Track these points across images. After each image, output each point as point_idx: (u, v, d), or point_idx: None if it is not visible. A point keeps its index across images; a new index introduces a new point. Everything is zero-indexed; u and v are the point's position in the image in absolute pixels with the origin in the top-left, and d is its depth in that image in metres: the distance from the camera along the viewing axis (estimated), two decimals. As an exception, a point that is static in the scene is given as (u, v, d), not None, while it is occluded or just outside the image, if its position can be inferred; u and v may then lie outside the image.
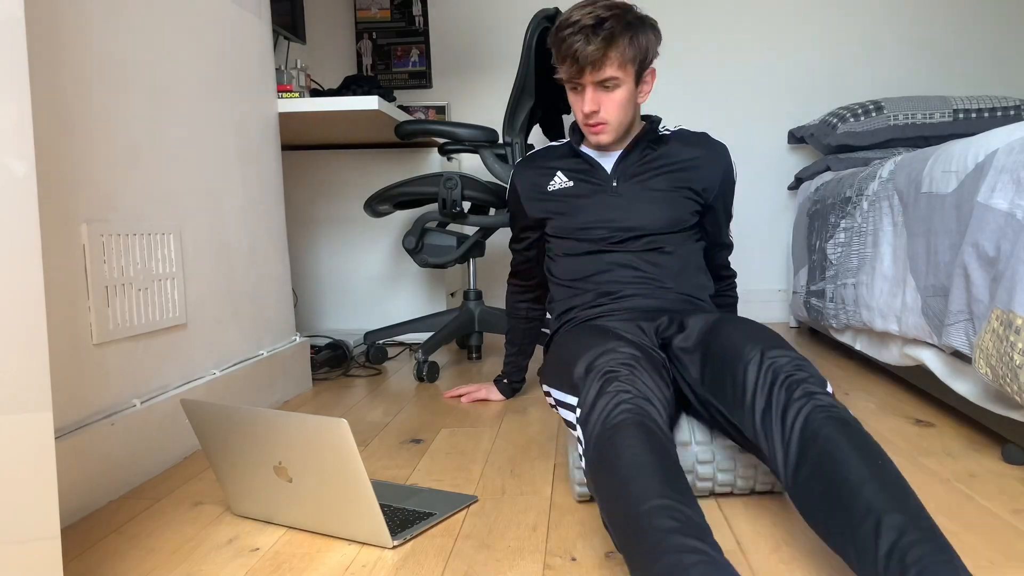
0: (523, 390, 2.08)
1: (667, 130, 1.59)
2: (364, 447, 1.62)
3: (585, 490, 1.23)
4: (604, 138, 1.49)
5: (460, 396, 2.02)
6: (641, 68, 1.45)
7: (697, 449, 1.23)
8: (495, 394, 1.97)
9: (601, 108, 1.45)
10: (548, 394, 1.26)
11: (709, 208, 1.58)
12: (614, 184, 1.53)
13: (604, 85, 1.43)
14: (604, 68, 1.40)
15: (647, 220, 1.51)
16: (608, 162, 1.55)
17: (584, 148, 1.59)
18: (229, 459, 1.16)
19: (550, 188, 1.58)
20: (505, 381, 1.97)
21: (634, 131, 1.55)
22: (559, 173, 1.57)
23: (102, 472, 1.32)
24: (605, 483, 0.94)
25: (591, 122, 1.47)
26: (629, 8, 1.44)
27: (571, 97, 1.50)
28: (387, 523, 1.11)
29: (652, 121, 1.57)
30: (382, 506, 1.19)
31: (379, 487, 1.32)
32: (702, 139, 1.58)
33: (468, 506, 1.25)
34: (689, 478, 1.23)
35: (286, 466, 1.09)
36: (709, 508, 1.22)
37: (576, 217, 1.54)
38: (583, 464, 1.02)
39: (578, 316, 1.49)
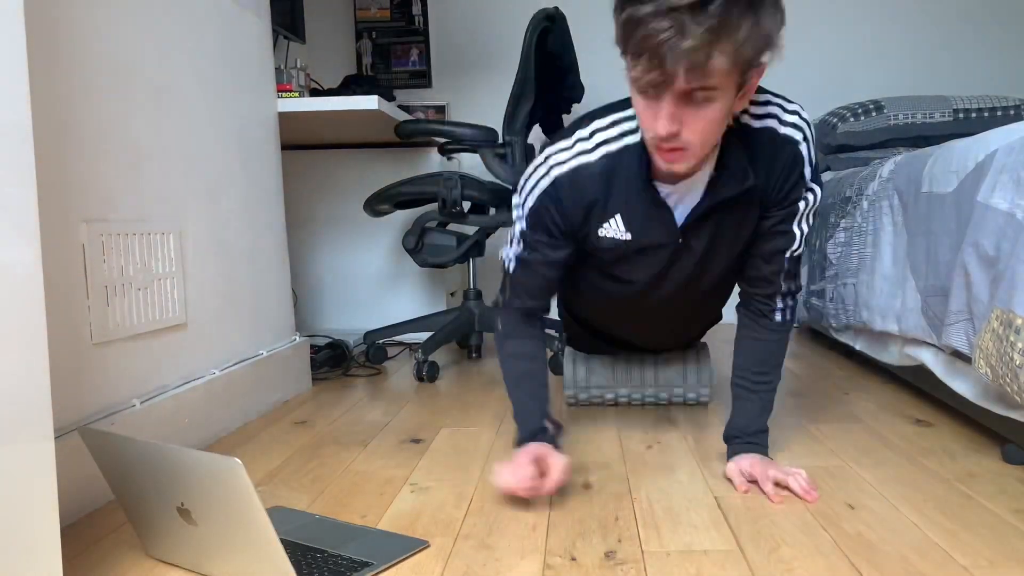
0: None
1: (756, 123, 1.20)
2: (364, 447, 1.62)
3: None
4: (679, 167, 1.10)
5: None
6: (749, 67, 1.01)
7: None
8: (553, 458, 1.23)
9: (684, 128, 1.03)
10: None
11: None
12: (680, 241, 1.24)
13: (692, 96, 1.00)
14: (704, 73, 0.96)
15: (714, 279, 1.33)
16: (682, 210, 1.22)
17: (658, 182, 1.21)
18: (135, 497, 1.04)
19: (601, 233, 1.24)
20: (547, 428, 1.31)
21: (714, 147, 1.15)
22: (617, 218, 1.21)
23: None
24: None
25: (666, 146, 1.06)
26: None
27: (638, 101, 1.06)
28: (315, 574, 0.99)
29: (739, 132, 1.16)
30: (315, 552, 1.06)
31: (319, 527, 1.16)
32: (790, 153, 1.20)
33: (414, 553, 1.08)
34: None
35: (188, 508, 0.96)
36: (709, 508, 1.22)
37: (626, 271, 1.32)
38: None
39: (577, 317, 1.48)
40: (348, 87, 2.58)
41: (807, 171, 1.23)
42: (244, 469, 0.86)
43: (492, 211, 2.48)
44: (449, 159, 2.98)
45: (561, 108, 2.55)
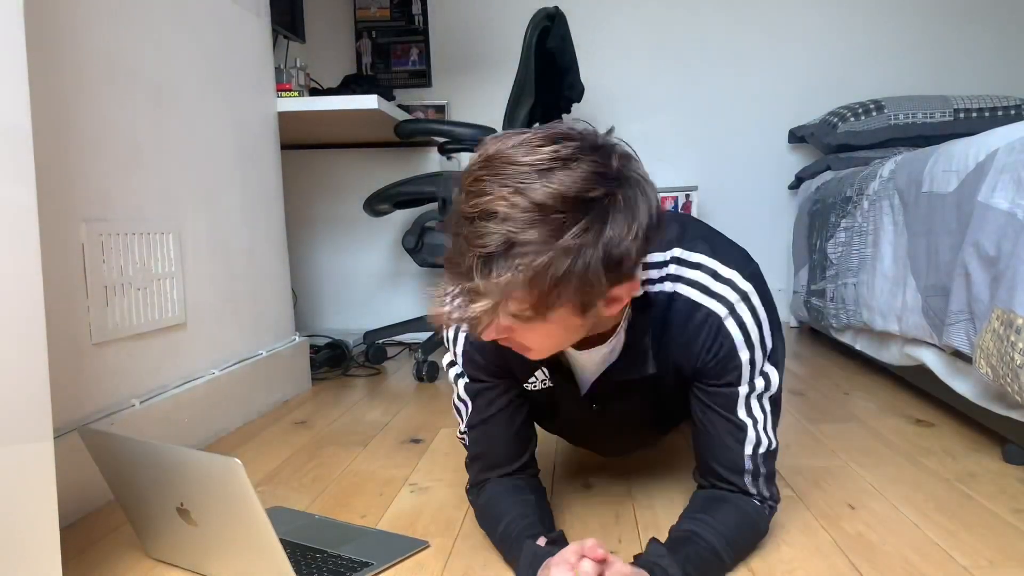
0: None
1: (661, 296, 0.99)
2: (364, 447, 1.62)
3: None
4: (534, 357, 0.95)
5: None
6: (588, 302, 0.85)
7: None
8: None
9: (516, 336, 0.88)
10: None
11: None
12: (593, 407, 1.11)
13: (513, 317, 0.85)
14: (495, 317, 0.84)
15: (639, 442, 1.29)
16: (585, 378, 1.08)
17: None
18: (134, 498, 1.03)
19: (529, 386, 1.09)
20: (540, 544, 0.97)
21: (609, 324, 0.98)
22: (543, 369, 1.06)
23: (101, 472, 1.32)
24: None
25: (504, 344, 0.92)
26: (582, 204, 0.79)
27: None
28: (315, 574, 0.98)
29: (649, 305, 0.98)
30: (314, 552, 1.04)
31: (319, 527, 1.16)
32: (712, 327, 0.98)
33: (414, 553, 1.07)
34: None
35: (188, 508, 0.95)
36: (709, 508, 1.21)
37: (554, 419, 1.22)
38: None
39: None
40: (348, 87, 2.57)
41: (743, 353, 0.98)
42: (243, 469, 0.86)
43: (492, 211, 2.48)
44: (449, 159, 2.98)
45: (561, 108, 2.55)
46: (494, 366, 1.07)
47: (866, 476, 1.35)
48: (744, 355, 0.99)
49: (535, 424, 1.17)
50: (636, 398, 1.10)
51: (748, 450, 1.02)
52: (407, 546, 1.09)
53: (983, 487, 1.28)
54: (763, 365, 1.01)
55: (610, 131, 0.87)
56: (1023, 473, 1.34)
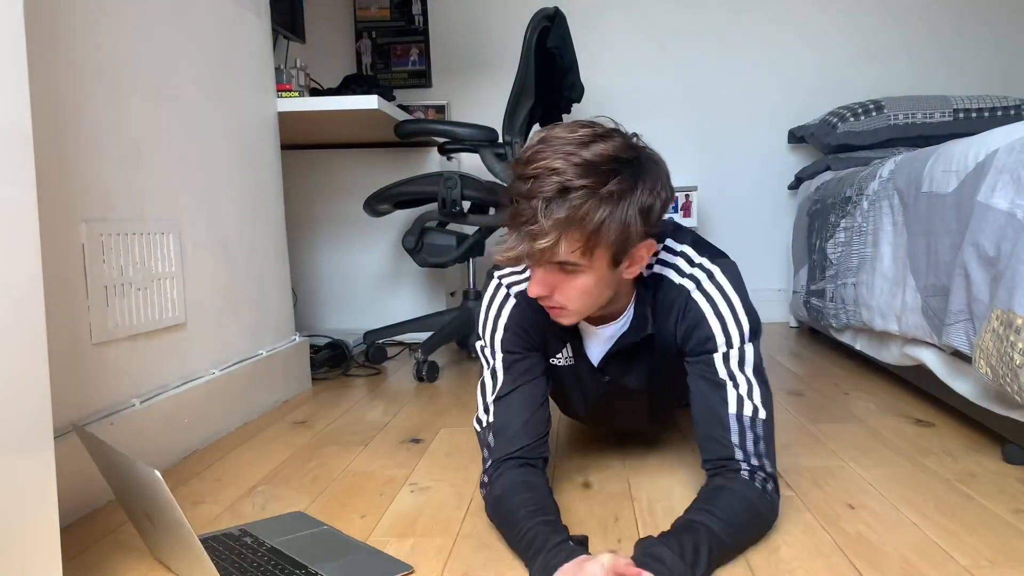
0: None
1: (661, 273, 1.18)
2: (364, 447, 1.62)
3: None
4: (564, 322, 1.13)
5: None
6: (621, 251, 1.03)
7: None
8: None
9: (556, 292, 1.06)
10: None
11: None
12: (605, 379, 1.28)
13: (562, 266, 1.04)
14: (556, 254, 1.01)
15: (645, 412, 1.39)
16: (596, 351, 1.25)
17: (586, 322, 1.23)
18: (124, 499, 1.05)
19: (556, 361, 1.27)
20: (561, 545, 0.98)
21: (623, 300, 1.18)
22: (569, 347, 1.25)
23: (101, 472, 1.32)
24: None
25: (545, 304, 1.10)
26: (619, 163, 1.00)
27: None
28: None
29: (646, 282, 1.18)
30: (296, 568, 1.02)
31: (316, 539, 1.13)
32: (682, 302, 1.16)
33: None
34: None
35: (148, 513, 0.97)
36: (709, 508, 1.22)
37: (567, 395, 1.36)
38: None
39: None
40: (348, 87, 2.57)
41: (713, 323, 1.13)
42: (161, 479, 0.86)
43: (492, 211, 2.48)
44: (449, 159, 2.98)
45: (561, 108, 2.55)
46: (532, 339, 1.22)
47: (866, 476, 1.35)
48: (715, 324, 1.14)
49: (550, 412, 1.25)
50: (640, 368, 1.25)
51: (732, 409, 1.12)
52: (390, 570, 1.04)
53: (983, 487, 1.28)
54: (736, 337, 1.14)
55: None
56: (1023, 473, 1.34)
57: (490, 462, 1.17)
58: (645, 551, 0.94)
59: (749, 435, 1.10)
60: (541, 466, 1.16)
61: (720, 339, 1.14)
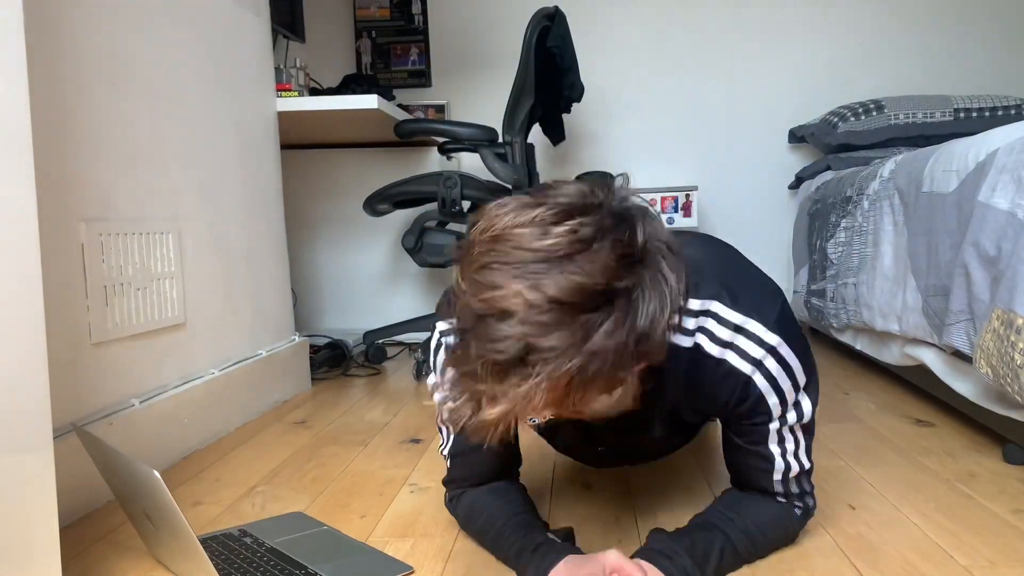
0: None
1: (681, 349, 0.93)
2: (363, 447, 1.62)
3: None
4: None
5: None
6: (617, 383, 0.76)
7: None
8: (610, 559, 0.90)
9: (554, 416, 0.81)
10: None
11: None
12: (598, 449, 1.15)
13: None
14: (520, 416, 0.75)
15: (645, 461, 1.30)
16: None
17: None
18: (123, 498, 1.04)
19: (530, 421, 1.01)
20: (545, 546, 0.96)
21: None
22: None
23: (101, 472, 1.32)
24: None
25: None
26: (607, 295, 0.69)
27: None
28: None
29: (675, 370, 0.92)
30: (296, 568, 1.02)
31: (316, 539, 1.13)
32: (738, 384, 0.93)
33: None
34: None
35: (147, 513, 0.97)
36: (709, 508, 1.22)
37: (559, 441, 1.22)
38: None
39: None
40: (347, 86, 2.57)
41: (771, 399, 0.94)
42: (160, 479, 0.85)
43: (492, 211, 2.48)
44: (449, 158, 2.98)
45: (561, 107, 2.55)
46: None
47: (866, 476, 1.35)
48: (773, 400, 0.94)
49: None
50: (642, 443, 1.10)
51: (777, 477, 1.00)
52: (390, 570, 1.04)
53: (983, 487, 1.27)
54: (797, 398, 0.96)
55: (622, 177, 0.79)
56: (1023, 473, 1.34)
57: (450, 495, 1.12)
58: (655, 546, 0.93)
59: (793, 491, 1.02)
60: (513, 478, 1.10)
61: (777, 411, 0.95)
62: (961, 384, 1.55)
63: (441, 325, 1.05)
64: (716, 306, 0.92)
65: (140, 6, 1.51)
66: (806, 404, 0.97)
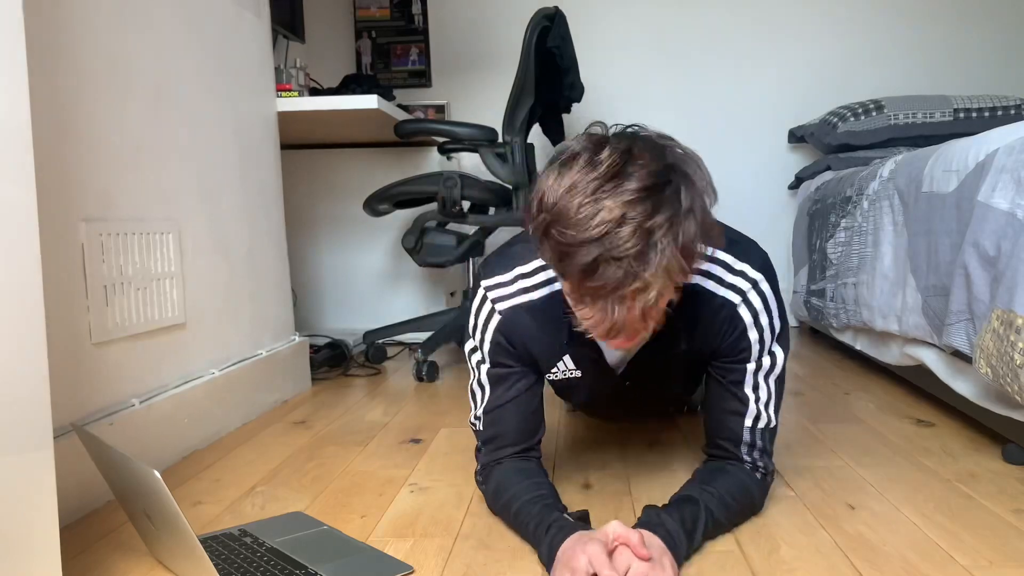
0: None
1: (699, 284, 1.09)
2: (363, 447, 1.62)
3: None
4: (628, 347, 1.08)
5: None
6: (684, 272, 0.90)
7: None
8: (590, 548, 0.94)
9: (641, 333, 0.97)
10: None
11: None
12: (627, 384, 1.25)
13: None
14: (659, 301, 0.89)
15: (660, 403, 1.44)
16: (616, 361, 1.21)
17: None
18: (125, 499, 1.04)
19: (552, 376, 1.21)
20: (557, 523, 1.03)
21: None
22: (567, 359, 1.18)
23: (101, 472, 1.32)
24: None
25: (612, 342, 0.98)
26: (664, 173, 0.88)
27: (580, 309, 0.93)
28: None
29: (684, 310, 1.05)
30: (296, 568, 1.02)
31: (316, 539, 1.13)
32: (726, 315, 1.10)
33: None
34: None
35: (147, 513, 0.97)
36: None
37: (578, 396, 1.37)
38: None
39: None
40: (347, 86, 2.57)
41: (752, 333, 1.10)
42: (160, 479, 0.86)
43: (492, 211, 2.48)
44: (449, 159, 2.98)
45: (561, 107, 2.55)
46: (523, 354, 1.16)
47: (866, 476, 1.35)
48: (753, 335, 1.11)
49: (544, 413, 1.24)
50: (665, 372, 1.24)
51: (748, 422, 1.15)
52: (390, 570, 1.04)
53: (983, 487, 1.28)
54: (771, 345, 1.13)
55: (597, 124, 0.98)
56: (1023, 473, 1.34)
57: (482, 463, 1.22)
58: (650, 517, 1.03)
59: (758, 444, 1.16)
60: (534, 457, 1.21)
61: (755, 349, 1.12)
62: (961, 384, 1.55)
63: (487, 282, 1.17)
64: (726, 256, 1.11)
65: (140, 6, 1.51)
66: (779, 355, 1.14)
